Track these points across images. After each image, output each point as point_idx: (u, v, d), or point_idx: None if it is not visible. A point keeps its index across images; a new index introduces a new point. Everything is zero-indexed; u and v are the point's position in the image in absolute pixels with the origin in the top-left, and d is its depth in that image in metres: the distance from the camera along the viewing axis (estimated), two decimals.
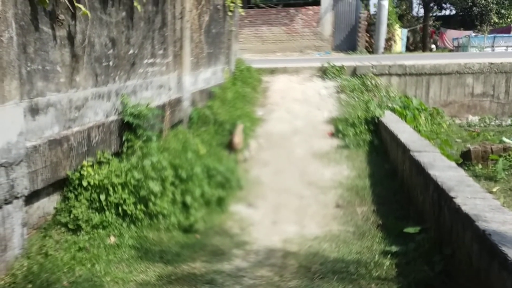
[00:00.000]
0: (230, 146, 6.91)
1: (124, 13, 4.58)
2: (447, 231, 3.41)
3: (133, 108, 4.73)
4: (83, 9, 3.60)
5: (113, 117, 4.51)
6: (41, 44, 3.26)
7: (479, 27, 32.80)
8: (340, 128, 8.35)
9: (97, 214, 3.85)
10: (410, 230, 3.95)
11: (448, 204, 3.40)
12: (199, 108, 7.41)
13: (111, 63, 4.39)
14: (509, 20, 34.77)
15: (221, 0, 8.86)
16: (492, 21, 33.71)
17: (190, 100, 7.06)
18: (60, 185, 3.73)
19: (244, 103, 9.15)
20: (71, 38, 3.64)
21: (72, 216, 3.69)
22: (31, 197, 3.35)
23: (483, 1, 32.73)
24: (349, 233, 4.35)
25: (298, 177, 6.29)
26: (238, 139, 7.05)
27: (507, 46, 25.18)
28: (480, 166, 6.62)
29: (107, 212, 3.88)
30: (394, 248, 3.78)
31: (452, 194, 3.40)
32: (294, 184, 6.01)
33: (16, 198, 3.09)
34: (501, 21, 34.25)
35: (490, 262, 2.54)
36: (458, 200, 3.25)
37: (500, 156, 6.58)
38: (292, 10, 22.18)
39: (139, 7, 4.80)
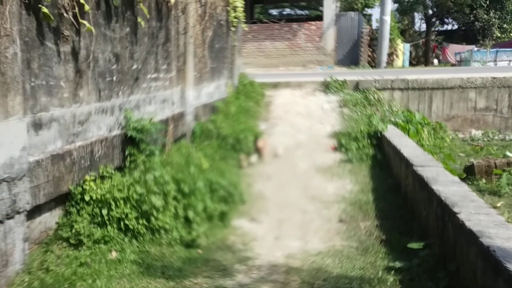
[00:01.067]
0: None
1: (128, 29, 4.62)
2: (451, 246, 3.38)
3: (136, 122, 4.75)
4: (88, 25, 3.64)
5: (116, 132, 4.52)
6: (45, 60, 3.30)
7: (481, 41, 32.95)
8: (343, 142, 8.34)
9: (99, 229, 3.83)
10: (414, 245, 3.91)
11: (452, 220, 3.38)
12: (202, 122, 7.43)
13: (114, 78, 4.42)
14: (511, 34, 34.93)
15: (225, 16, 8.96)
16: (495, 35, 33.88)
17: (193, 114, 7.09)
18: (62, 199, 3.73)
19: (247, 117, 9.16)
20: (75, 53, 3.68)
21: (73, 231, 3.68)
22: (33, 212, 3.34)
23: (485, 16, 32.94)
24: (352, 249, 4.31)
25: (301, 191, 6.26)
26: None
27: (509, 61, 25.23)
28: (484, 180, 6.58)
29: (109, 227, 3.87)
30: (397, 264, 3.74)
31: (455, 209, 3.38)
32: (297, 198, 5.98)
33: (18, 213, 3.09)
34: (503, 36, 34.42)
35: (495, 279, 2.51)
36: (462, 216, 3.22)
37: (504, 170, 6.54)
38: (295, 25, 22.38)
39: (142, 23, 4.85)
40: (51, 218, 3.66)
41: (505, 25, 34.18)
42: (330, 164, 7.64)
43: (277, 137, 8.91)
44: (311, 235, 4.76)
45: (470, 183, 6.52)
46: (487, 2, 31.89)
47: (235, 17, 9.56)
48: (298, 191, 6.26)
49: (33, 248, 3.46)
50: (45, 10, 3.15)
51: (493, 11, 32.77)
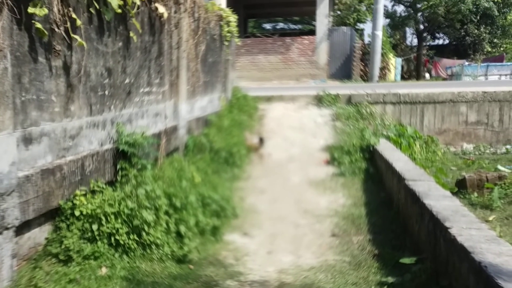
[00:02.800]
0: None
1: (120, 43, 4.63)
2: (444, 261, 3.37)
3: (128, 136, 4.72)
4: (79, 40, 3.64)
5: (108, 146, 4.50)
6: (36, 74, 3.29)
7: (472, 56, 33.41)
8: (335, 156, 8.36)
9: (89, 244, 3.78)
10: (406, 260, 3.90)
11: (443, 235, 3.38)
12: (195, 135, 7.43)
13: (106, 92, 4.41)
14: (501, 49, 35.48)
15: (218, 30, 9.02)
16: (485, 50, 34.37)
17: (186, 128, 7.08)
18: (52, 215, 3.68)
19: (241, 131, 9.18)
20: (66, 68, 3.67)
21: (63, 246, 3.63)
22: (22, 228, 3.30)
23: (476, 31, 33.44)
24: (345, 263, 4.29)
25: (294, 205, 6.25)
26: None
27: (500, 75, 25.57)
28: (475, 194, 6.60)
29: (99, 242, 3.82)
30: (390, 279, 3.72)
31: (447, 224, 3.38)
32: (290, 212, 5.96)
33: (7, 229, 3.04)
34: (494, 50, 34.94)
35: None
36: (453, 231, 3.23)
37: (495, 184, 6.58)
38: (288, 40, 22.61)
39: (135, 37, 4.86)
40: (40, 234, 3.62)
41: (495, 40, 34.72)
42: (323, 177, 7.64)
43: (270, 151, 8.92)
44: (303, 250, 4.74)
45: (462, 197, 6.55)
46: (478, 17, 32.42)
47: (228, 32, 9.64)
48: (291, 205, 6.25)
49: (22, 264, 3.40)
50: (38, 25, 3.15)
51: (483, 26, 33.30)
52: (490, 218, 5.70)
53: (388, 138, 8.98)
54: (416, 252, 4.09)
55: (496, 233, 3.34)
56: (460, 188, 6.85)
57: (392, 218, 5.37)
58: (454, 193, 6.30)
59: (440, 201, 4.06)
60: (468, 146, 10.87)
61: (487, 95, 10.86)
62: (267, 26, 41.11)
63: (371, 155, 8.20)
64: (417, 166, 6.02)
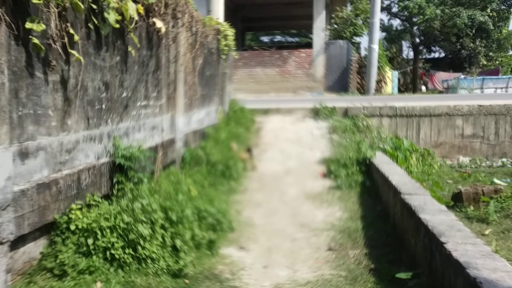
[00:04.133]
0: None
1: (118, 58, 4.67)
2: (440, 276, 3.37)
3: (125, 150, 4.73)
4: (77, 55, 3.66)
5: (104, 159, 4.50)
6: (33, 89, 3.30)
7: (468, 69, 33.70)
8: (332, 169, 8.37)
9: (84, 258, 3.76)
10: (402, 275, 3.90)
11: (439, 250, 3.39)
12: (192, 148, 7.44)
13: (103, 106, 4.43)
14: (497, 62, 35.84)
15: (215, 44, 9.09)
16: (481, 63, 34.68)
17: (183, 140, 7.10)
18: (47, 229, 3.67)
19: (237, 143, 9.20)
20: (64, 82, 3.69)
21: (58, 261, 3.61)
22: (17, 242, 3.28)
23: (471, 44, 33.76)
24: (341, 278, 4.27)
25: (291, 218, 6.23)
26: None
27: (495, 88, 25.77)
28: (472, 208, 6.62)
29: (94, 257, 3.80)
30: None
31: (443, 239, 3.39)
32: (287, 226, 5.95)
33: (1, 243, 3.03)
34: (489, 63, 35.27)
35: None
36: (449, 246, 3.23)
37: (491, 198, 6.59)
38: (285, 53, 22.78)
39: (133, 52, 4.90)
40: (35, 248, 3.60)
41: (491, 53, 35.07)
42: (320, 190, 7.64)
43: (267, 163, 8.93)
44: (300, 264, 4.72)
45: (458, 210, 6.56)
46: (473, 31, 32.77)
47: (225, 45, 9.72)
48: (287, 218, 6.24)
49: (16, 279, 3.38)
50: (35, 41, 3.18)
51: (479, 39, 33.65)
52: (486, 232, 5.70)
53: (384, 151, 9.00)
54: (413, 267, 4.08)
55: (492, 247, 3.36)
56: (456, 201, 6.86)
57: (389, 232, 5.37)
58: (450, 207, 6.33)
59: (435, 215, 4.07)
60: (464, 159, 10.91)
61: (483, 108, 10.94)
62: (265, 39, 41.46)
63: (368, 168, 8.22)
64: (413, 180, 6.04)
